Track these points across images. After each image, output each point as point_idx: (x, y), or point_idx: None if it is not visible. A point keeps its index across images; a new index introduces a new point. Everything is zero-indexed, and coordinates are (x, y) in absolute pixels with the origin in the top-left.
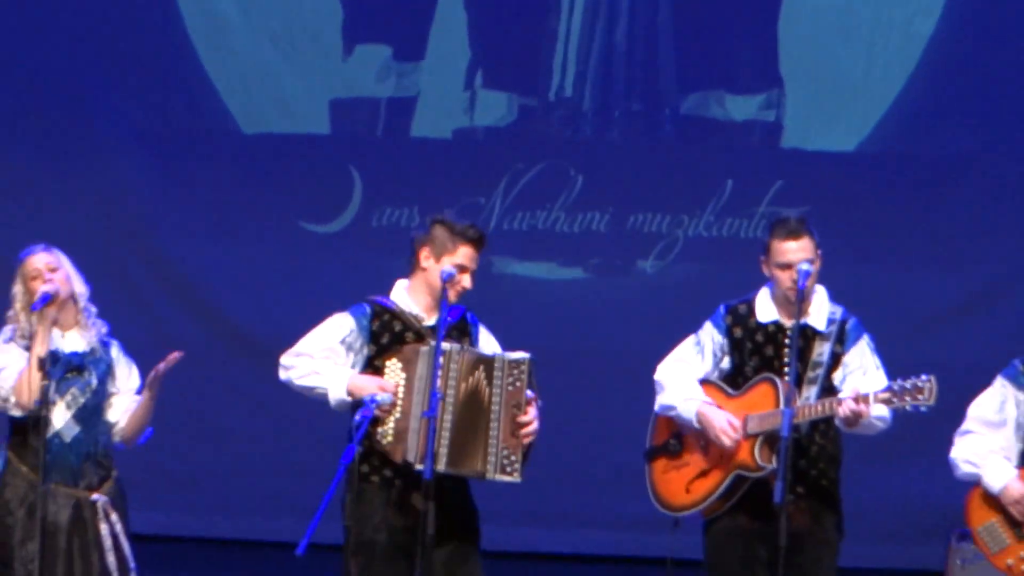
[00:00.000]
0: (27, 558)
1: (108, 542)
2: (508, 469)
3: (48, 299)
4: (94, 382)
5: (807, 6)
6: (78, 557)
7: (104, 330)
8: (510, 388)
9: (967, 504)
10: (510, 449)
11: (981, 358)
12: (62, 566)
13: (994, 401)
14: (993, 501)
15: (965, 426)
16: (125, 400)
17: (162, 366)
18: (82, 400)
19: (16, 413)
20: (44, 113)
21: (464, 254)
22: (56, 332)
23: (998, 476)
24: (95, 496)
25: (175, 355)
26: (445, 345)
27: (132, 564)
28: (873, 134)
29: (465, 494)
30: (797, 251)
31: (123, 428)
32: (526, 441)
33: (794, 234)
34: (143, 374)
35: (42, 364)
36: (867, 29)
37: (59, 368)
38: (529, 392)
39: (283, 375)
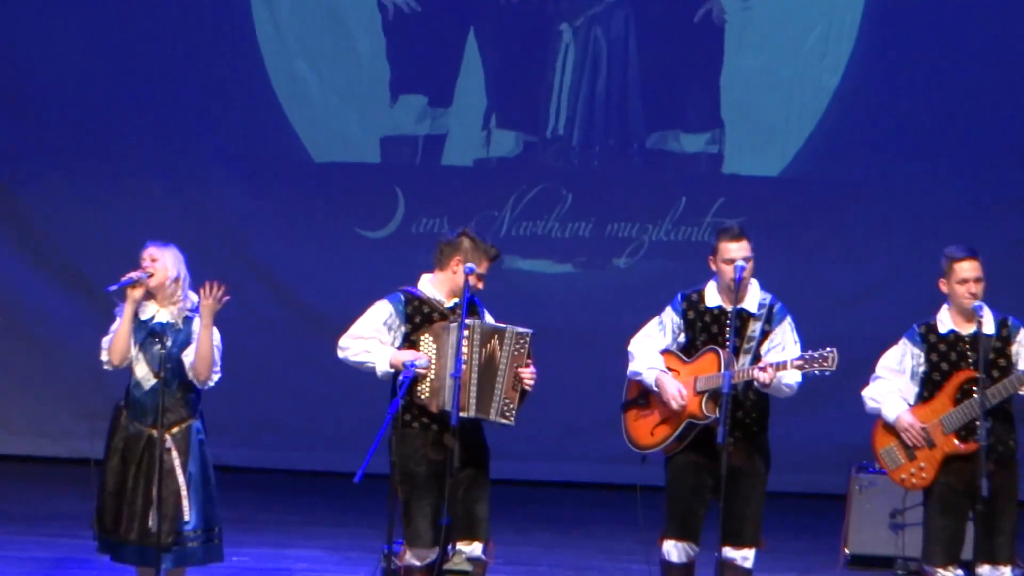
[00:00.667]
0: (110, 472)
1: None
2: (506, 413)
3: (129, 283)
4: (170, 346)
5: (742, 65)
6: (142, 480)
7: (190, 307)
8: (515, 353)
9: (873, 433)
10: (510, 399)
11: (876, 332)
12: (129, 483)
13: (897, 354)
14: (890, 429)
15: (875, 373)
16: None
17: (208, 293)
18: (159, 359)
19: (107, 367)
20: (165, 145)
21: (485, 266)
22: (153, 307)
23: (893, 410)
24: (153, 433)
25: (221, 290)
26: (471, 321)
27: (184, 492)
28: (793, 162)
29: (480, 435)
30: (738, 250)
31: (192, 363)
32: (524, 387)
33: (736, 237)
34: (233, 345)
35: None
36: (787, 83)
37: (141, 333)
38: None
39: (340, 355)
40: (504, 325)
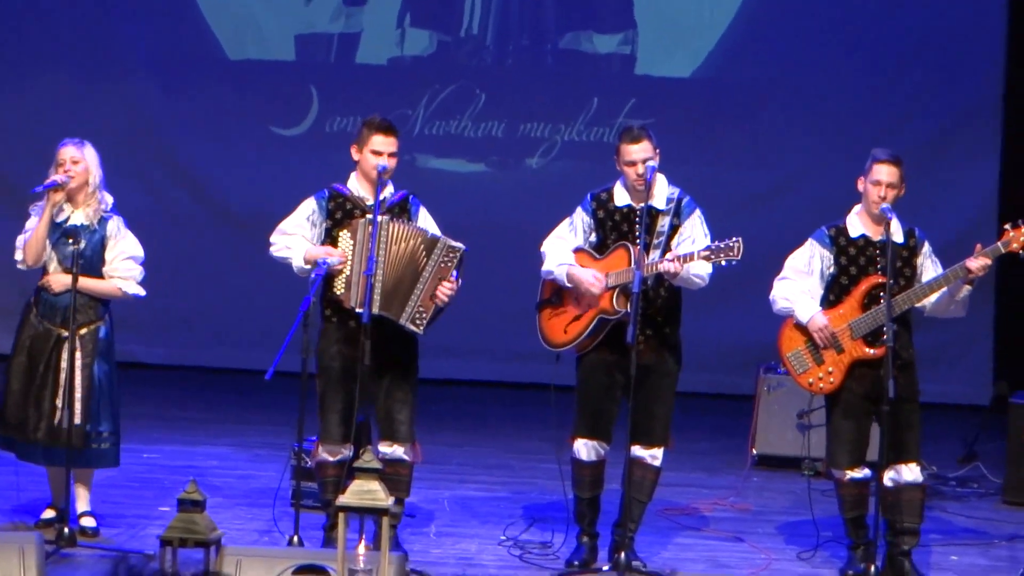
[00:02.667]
0: (15, 370)
1: (66, 372)
2: (417, 322)
3: (51, 186)
4: (83, 247)
5: None
6: (50, 379)
7: (105, 208)
8: (442, 265)
9: (779, 336)
10: (425, 309)
11: (784, 232)
12: (36, 382)
13: (804, 255)
14: (800, 331)
15: (782, 273)
16: (119, 265)
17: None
18: (72, 259)
19: (21, 267)
20: (78, 43)
21: (376, 141)
22: (68, 208)
23: (806, 310)
24: (68, 335)
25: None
26: (383, 218)
27: (85, 393)
28: (704, 63)
29: (405, 336)
30: (639, 151)
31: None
32: (438, 303)
33: (636, 139)
34: (146, 243)
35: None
36: None
37: (56, 234)
38: (455, 274)
39: (270, 252)
40: (439, 235)
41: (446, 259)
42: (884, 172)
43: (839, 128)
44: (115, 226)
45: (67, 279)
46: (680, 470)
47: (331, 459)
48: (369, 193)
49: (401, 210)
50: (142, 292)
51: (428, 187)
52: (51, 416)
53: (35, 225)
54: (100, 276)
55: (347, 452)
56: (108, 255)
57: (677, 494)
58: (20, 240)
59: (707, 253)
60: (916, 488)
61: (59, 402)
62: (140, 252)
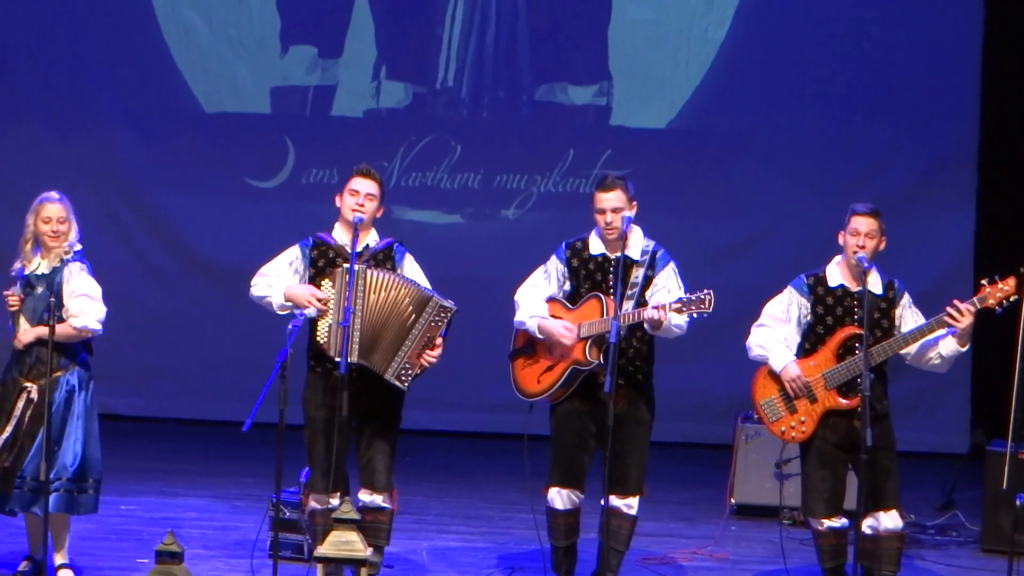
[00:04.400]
0: None
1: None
2: (403, 378)
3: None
4: (38, 294)
5: (629, 19)
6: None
7: (67, 256)
8: (432, 324)
9: (753, 383)
10: (411, 365)
11: (758, 283)
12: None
13: (782, 303)
14: (773, 379)
15: (760, 320)
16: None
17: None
18: (35, 310)
19: None
20: (54, 96)
21: (356, 182)
22: (38, 258)
23: (780, 359)
24: (27, 385)
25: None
26: (360, 267)
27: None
28: (678, 115)
29: (385, 385)
30: (608, 200)
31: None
32: (425, 364)
33: (607, 188)
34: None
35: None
36: (674, 36)
37: (21, 286)
38: (443, 332)
39: (251, 293)
40: (431, 293)
41: (437, 318)
42: (862, 223)
43: (814, 178)
44: (69, 271)
45: (31, 333)
46: (658, 519)
47: (319, 507)
48: (351, 241)
49: (385, 257)
50: (99, 328)
51: (405, 238)
52: (2, 464)
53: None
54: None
55: (335, 502)
56: (65, 300)
57: (655, 543)
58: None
59: (678, 305)
60: (895, 537)
61: (8, 449)
62: (95, 290)
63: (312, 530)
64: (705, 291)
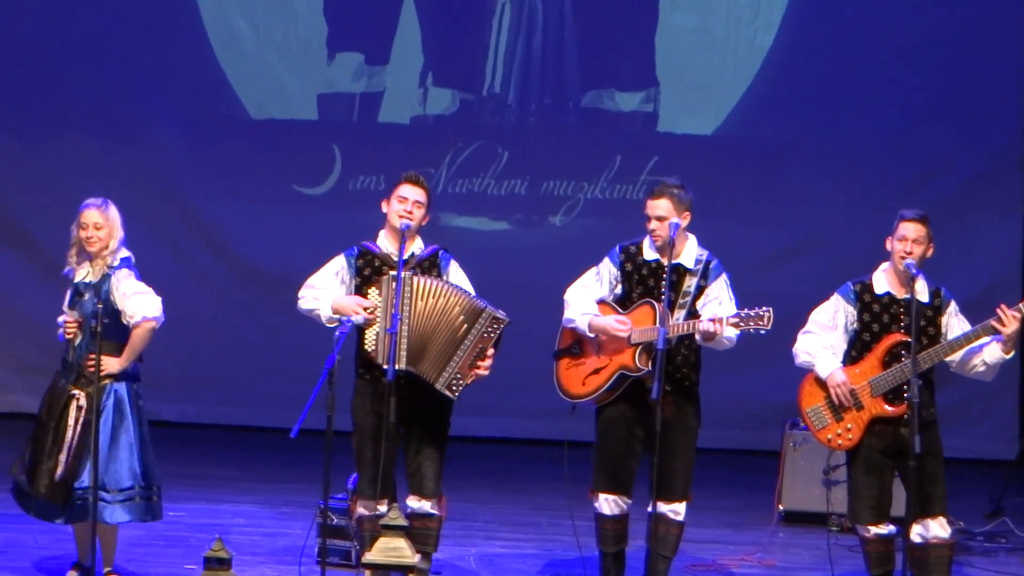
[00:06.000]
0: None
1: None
2: (453, 388)
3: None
4: (86, 301)
5: (676, 25)
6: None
7: (113, 264)
8: (484, 335)
9: (800, 391)
10: (462, 376)
11: (806, 291)
12: (47, 440)
13: (829, 310)
14: (820, 387)
15: (806, 327)
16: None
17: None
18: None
19: None
20: (104, 105)
21: (404, 189)
22: (86, 267)
23: (826, 366)
24: (76, 392)
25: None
26: (407, 273)
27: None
28: (726, 121)
29: (434, 391)
30: (653, 208)
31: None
32: (477, 375)
33: (655, 195)
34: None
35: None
36: (721, 42)
37: (71, 293)
38: (491, 349)
39: (298, 304)
40: (484, 304)
41: (489, 329)
42: (910, 229)
43: (861, 186)
44: (116, 278)
45: (116, 364)
46: (706, 526)
47: (367, 514)
48: (397, 248)
49: (431, 265)
50: (159, 314)
51: (451, 245)
52: (52, 472)
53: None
54: (111, 334)
55: (384, 508)
56: (120, 306)
57: (703, 550)
58: (62, 319)
59: (736, 320)
60: (945, 545)
61: (61, 458)
62: (144, 287)
63: (360, 536)
64: (764, 308)
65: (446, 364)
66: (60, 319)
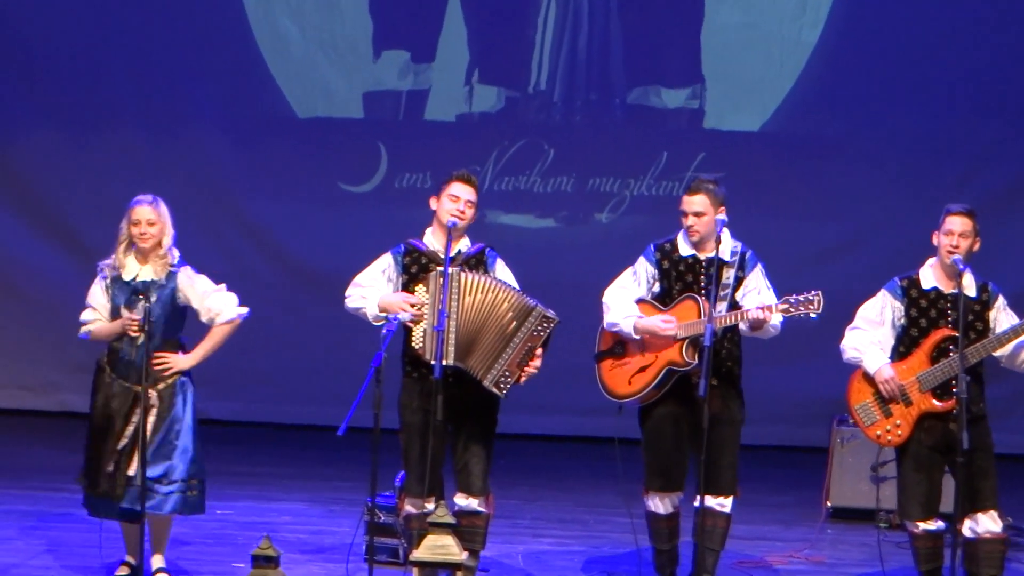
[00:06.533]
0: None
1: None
2: (501, 385)
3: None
4: (154, 302)
5: (722, 22)
6: (127, 436)
7: (172, 263)
8: (534, 333)
9: (848, 387)
10: (511, 373)
11: (853, 287)
12: (115, 438)
13: (876, 306)
14: (868, 383)
15: (854, 323)
16: (210, 302)
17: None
18: (144, 317)
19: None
20: (150, 103)
21: (455, 187)
22: (135, 265)
23: (874, 361)
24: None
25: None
26: (454, 270)
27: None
28: (772, 118)
29: (482, 388)
30: (689, 204)
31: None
32: (526, 374)
33: (692, 191)
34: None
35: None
36: (766, 38)
37: (125, 293)
38: (540, 349)
39: (345, 304)
40: (534, 302)
41: (539, 328)
42: (956, 223)
43: (909, 181)
44: (185, 276)
45: (190, 360)
46: (754, 523)
47: (415, 511)
48: (444, 245)
49: (477, 262)
50: (245, 310)
51: (497, 243)
52: (125, 471)
53: (98, 295)
54: (171, 332)
55: (431, 506)
56: (196, 305)
57: (751, 547)
58: (87, 315)
59: (786, 306)
60: (997, 540)
61: (137, 456)
62: (216, 285)
63: (408, 534)
64: (814, 292)
65: (495, 361)
66: (83, 316)
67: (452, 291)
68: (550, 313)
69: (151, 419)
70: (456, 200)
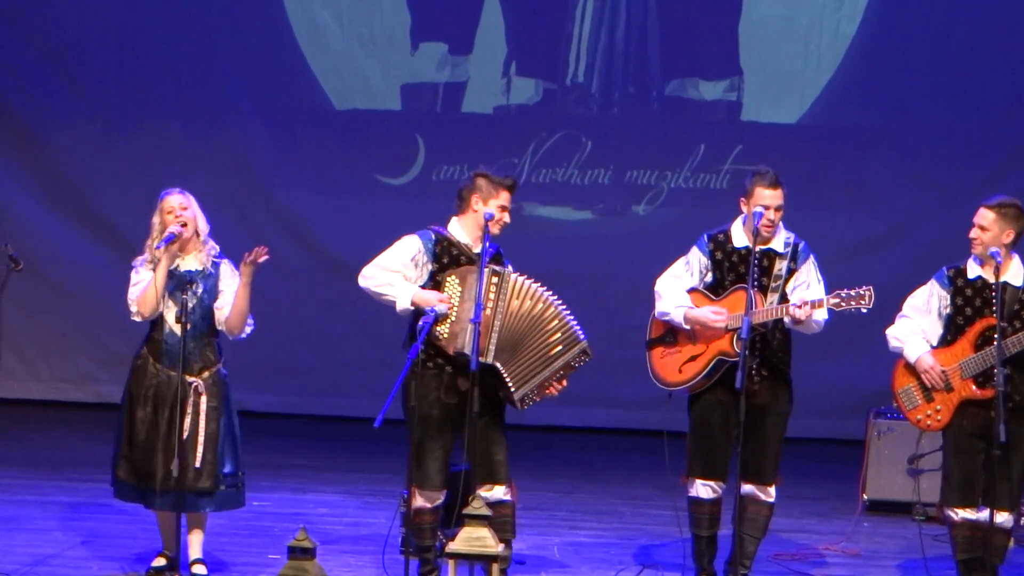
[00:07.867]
0: (140, 421)
1: (190, 417)
2: (526, 402)
3: (171, 239)
4: (200, 293)
5: (760, 14)
6: (176, 426)
7: (214, 254)
8: (572, 364)
9: (894, 372)
10: (537, 394)
11: (892, 279)
12: (163, 431)
13: (924, 294)
14: (910, 369)
15: (902, 311)
16: (229, 296)
17: (250, 256)
18: (190, 306)
19: (137, 319)
20: (188, 96)
21: (504, 197)
22: (179, 256)
23: (915, 350)
24: (192, 380)
25: (262, 249)
26: (500, 268)
27: (217, 436)
28: (810, 110)
29: (495, 375)
30: (773, 198)
31: (227, 317)
32: (547, 395)
33: (773, 185)
34: (254, 291)
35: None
36: (805, 31)
37: (170, 283)
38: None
39: (362, 283)
40: (583, 336)
41: (578, 360)
42: (978, 216)
43: (948, 173)
44: (228, 269)
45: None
46: (791, 515)
47: (429, 506)
48: (473, 241)
49: (496, 262)
50: (250, 328)
51: (535, 235)
52: (182, 462)
53: (149, 279)
54: (213, 323)
55: (442, 498)
56: (220, 302)
57: (788, 540)
58: (132, 293)
59: (837, 300)
60: (1004, 533)
61: (187, 447)
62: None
63: (419, 529)
64: (864, 287)
65: (531, 378)
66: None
67: (501, 290)
68: (590, 350)
69: (201, 409)
70: (504, 211)
